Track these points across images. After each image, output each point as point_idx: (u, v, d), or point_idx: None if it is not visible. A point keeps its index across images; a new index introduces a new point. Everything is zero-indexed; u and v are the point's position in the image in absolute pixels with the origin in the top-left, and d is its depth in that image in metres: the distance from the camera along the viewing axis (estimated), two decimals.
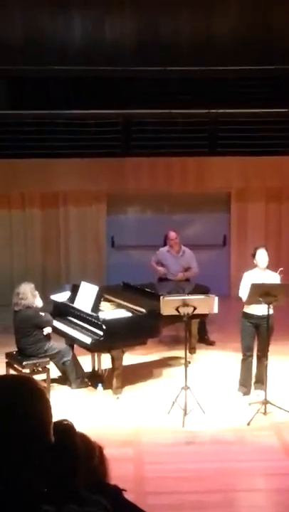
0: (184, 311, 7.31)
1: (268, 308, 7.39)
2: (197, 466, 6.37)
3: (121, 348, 7.96)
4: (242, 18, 14.23)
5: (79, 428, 2.58)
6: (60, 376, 8.48)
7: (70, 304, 8.61)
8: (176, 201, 13.52)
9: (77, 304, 8.45)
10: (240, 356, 8.15)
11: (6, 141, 12.91)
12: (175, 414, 7.35)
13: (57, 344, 8.20)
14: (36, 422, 1.69)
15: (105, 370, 8.44)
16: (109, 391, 8.04)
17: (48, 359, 7.97)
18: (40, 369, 7.88)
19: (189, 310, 7.31)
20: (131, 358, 8.82)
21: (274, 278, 7.83)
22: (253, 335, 7.95)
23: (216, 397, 8.02)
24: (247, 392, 8.05)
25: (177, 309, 7.31)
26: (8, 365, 8.17)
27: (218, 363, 9.35)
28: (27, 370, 7.80)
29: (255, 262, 7.89)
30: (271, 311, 7.49)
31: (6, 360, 8.20)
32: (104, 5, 14.12)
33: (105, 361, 8.34)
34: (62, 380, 8.44)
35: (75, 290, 8.69)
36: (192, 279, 10.39)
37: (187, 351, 7.69)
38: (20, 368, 7.92)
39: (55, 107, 13.05)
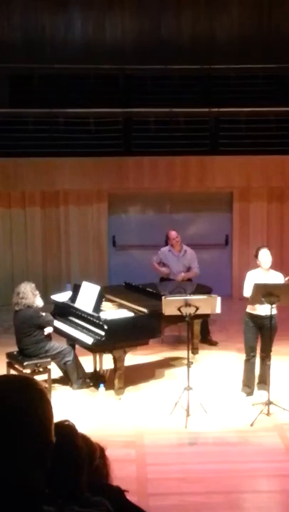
0: (186, 311, 7.26)
1: (271, 308, 7.33)
2: (200, 467, 6.32)
3: (123, 349, 7.91)
4: (244, 16, 14.22)
5: (80, 429, 2.57)
6: (61, 376, 8.44)
7: (72, 304, 8.57)
8: (178, 201, 13.48)
9: (79, 304, 8.40)
10: (243, 357, 8.10)
11: (7, 139, 12.87)
12: (178, 415, 7.30)
13: (58, 344, 8.15)
14: (37, 422, 1.68)
15: (107, 370, 8.40)
16: (111, 392, 7.99)
17: (49, 359, 7.92)
18: (41, 369, 7.83)
19: (191, 310, 7.26)
20: (133, 358, 8.79)
21: (277, 278, 7.78)
22: (256, 335, 7.90)
23: (219, 397, 7.98)
24: (250, 393, 8.00)
25: (179, 309, 7.26)
26: (9, 365, 8.13)
27: (220, 364, 9.31)
28: (28, 371, 7.75)
29: (258, 262, 7.83)
30: (275, 311, 7.43)
31: (7, 360, 8.15)
32: (105, 3, 14.11)
33: (107, 362, 8.29)
34: (64, 380, 8.39)
35: (76, 290, 8.65)
36: (193, 279, 10.34)
37: (190, 352, 7.65)
38: (21, 368, 7.87)
39: (57, 106, 13.02)
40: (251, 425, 7.13)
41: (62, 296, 8.97)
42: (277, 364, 7.89)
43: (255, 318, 7.80)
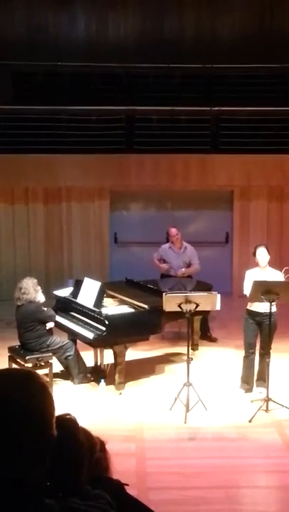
0: (186, 307, 7.32)
1: (270, 305, 7.39)
2: (199, 462, 6.38)
3: (123, 344, 7.97)
4: (245, 16, 14.26)
5: (81, 423, 2.60)
6: (62, 371, 8.50)
7: (73, 300, 8.62)
8: (179, 198, 13.53)
9: (80, 300, 8.47)
10: (242, 353, 8.17)
11: (10, 136, 12.93)
12: (177, 410, 7.37)
13: (60, 339, 8.22)
14: (39, 415, 1.68)
15: (108, 365, 8.46)
16: (112, 386, 8.06)
17: (50, 354, 7.98)
18: (42, 363, 7.89)
19: (192, 307, 7.33)
20: (133, 353, 8.84)
21: (276, 276, 7.84)
22: (255, 332, 7.97)
23: (218, 393, 8.04)
24: (249, 390, 8.06)
25: (180, 306, 7.33)
26: (11, 359, 8.18)
27: (220, 360, 9.37)
28: (29, 365, 7.81)
29: (255, 260, 7.90)
30: (274, 309, 7.49)
31: (9, 354, 8.20)
32: (108, 1, 14.14)
33: (108, 357, 8.36)
34: (65, 375, 8.46)
35: (78, 285, 8.71)
36: (194, 275, 10.40)
37: (190, 348, 7.70)
38: (22, 362, 7.93)
39: (59, 103, 13.07)
40: (250, 421, 7.18)
41: (64, 292, 9.03)
42: (276, 361, 7.93)
43: (254, 316, 7.87)
